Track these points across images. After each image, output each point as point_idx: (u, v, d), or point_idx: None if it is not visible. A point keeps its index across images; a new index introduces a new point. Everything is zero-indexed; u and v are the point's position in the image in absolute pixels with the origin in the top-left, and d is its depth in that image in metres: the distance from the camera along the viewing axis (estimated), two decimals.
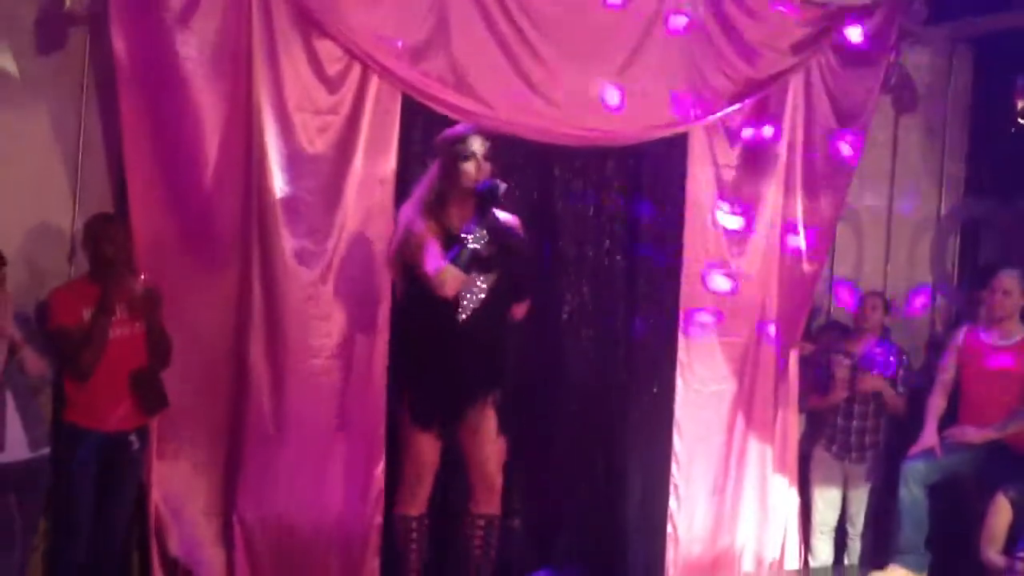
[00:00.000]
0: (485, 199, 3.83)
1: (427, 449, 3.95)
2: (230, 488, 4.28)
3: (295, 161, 4.30)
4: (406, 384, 4.01)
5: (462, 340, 3.89)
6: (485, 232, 3.78)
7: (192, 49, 4.10)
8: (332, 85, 4.36)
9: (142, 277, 3.90)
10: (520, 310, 4.09)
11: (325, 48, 4.32)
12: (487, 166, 3.92)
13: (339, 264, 4.38)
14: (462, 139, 3.94)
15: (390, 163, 4.47)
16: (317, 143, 4.34)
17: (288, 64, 4.26)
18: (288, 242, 4.28)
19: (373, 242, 4.44)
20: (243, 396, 4.27)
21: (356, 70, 4.39)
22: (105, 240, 3.92)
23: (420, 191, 4.01)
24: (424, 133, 4.53)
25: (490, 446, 3.99)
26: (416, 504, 4.01)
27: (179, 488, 4.24)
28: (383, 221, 4.44)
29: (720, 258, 5.16)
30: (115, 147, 4.13)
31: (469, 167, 3.89)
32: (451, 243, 3.81)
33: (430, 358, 3.90)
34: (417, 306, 3.90)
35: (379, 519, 4.47)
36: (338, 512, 4.43)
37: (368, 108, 4.42)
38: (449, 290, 3.78)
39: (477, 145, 3.90)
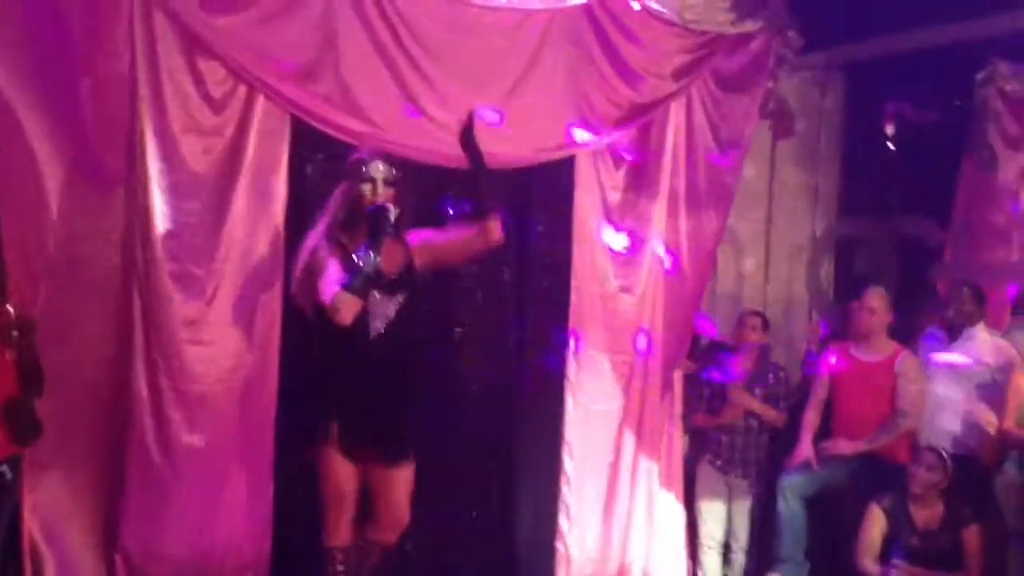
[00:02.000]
0: (373, 223, 3.80)
1: (348, 476, 3.88)
2: (112, 519, 4.16)
3: (178, 183, 4.21)
4: (330, 410, 3.89)
5: (373, 361, 3.85)
6: (376, 256, 3.73)
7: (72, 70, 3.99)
8: (216, 106, 4.28)
9: (10, 307, 3.77)
10: (495, 229, 3.99)
11: (210, 69, 4.25)
12: (388, 192, 3.90)
13: (226, 287, 4.30)
14: (363, 162, 3.94)
15: (280, 184, 4.41)
16: (201, 164, 4.26)
17: (171, 85, 4.17)
18: (170, 266, 4.19)
19: (262, 264, 4.37)
20: (126, 424, 4.17)
21: (241, 90, 4.32)
22: None
23: (325, 215, 3.97)
24: (322, 153, 4.51)
25: (401, 473, 3.95)
26: (341, 535, 3.92)
27: (58, 519, 4.09)
28: (273, 243, 4.38)
29: (607, 277, 5.23)
30: None
31: (365, 189, 3.88)
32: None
33: (345, 381, 3.84)
34: (329, 328, 3.81)
35: (267, 545, 4.40)
36: (225, 540, 4.33)
37: (254, 129, 4.35)
38: (344, 316, 3.72)
39: (377, 169, 3.90)
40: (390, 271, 3.86)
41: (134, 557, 4.17)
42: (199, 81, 4.24)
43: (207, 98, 4.26)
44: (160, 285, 4.18)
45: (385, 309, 3.87)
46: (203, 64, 4.24)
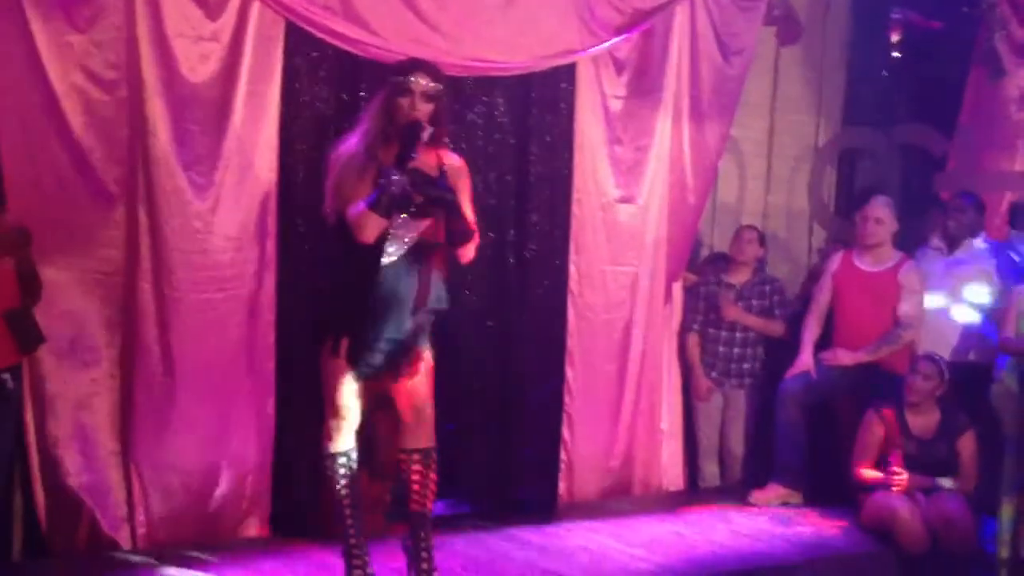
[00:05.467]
0: (403, 139, 3.61)
1: (353, 391, 3.80)
2: (125, 428, 4.20)
3: (178, 91, 4.14)
4: (340, 323, 3.75)
5: (388, 281, 3.69)
6: (405, 176, 3.55)
7: None
8: (212, 12, 4.19)
9: (9, 214, 3.74)
10: (464, 254, 3.82)
11: None
12: (427, 107, 3.68)
13: (226, 197, 4.26)
14: (404, 70, 3.73)
15: (274, 92, 4.34)
16: (199, 71, 4.18)
17: None
18: (175, 174, 4.14)
19: (260, 173, 4.33)
20: (132, 334, 4.18)
21: None
22: None
23: (359, 125, 3.80)
24: (310, 62, 4.43)
25: (419, 379, 3.82)
26: (344, 440, 3.86)
27: (72, 426, 4.13)
28: (269, 152, 4.34)
29: (609, 187, 5.20)
30: None
31: (403, 102, 3.67)
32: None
33: (359, 299, 3.70)
34: (350, 245, 3.65)
35: (269, 454, 4.45)
36: (231, 450, 4.37)
37: (250, 35, 4.26)
38: (367, 235, 3.58)
39: (416, 82, 3.67)
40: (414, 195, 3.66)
41: (144, 466, 4.21)
42: None
43: (202, 3, 4.17)
44: (163, 194, 4.13)
45: (405, 232, 3.72)
46: None
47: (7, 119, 3.91)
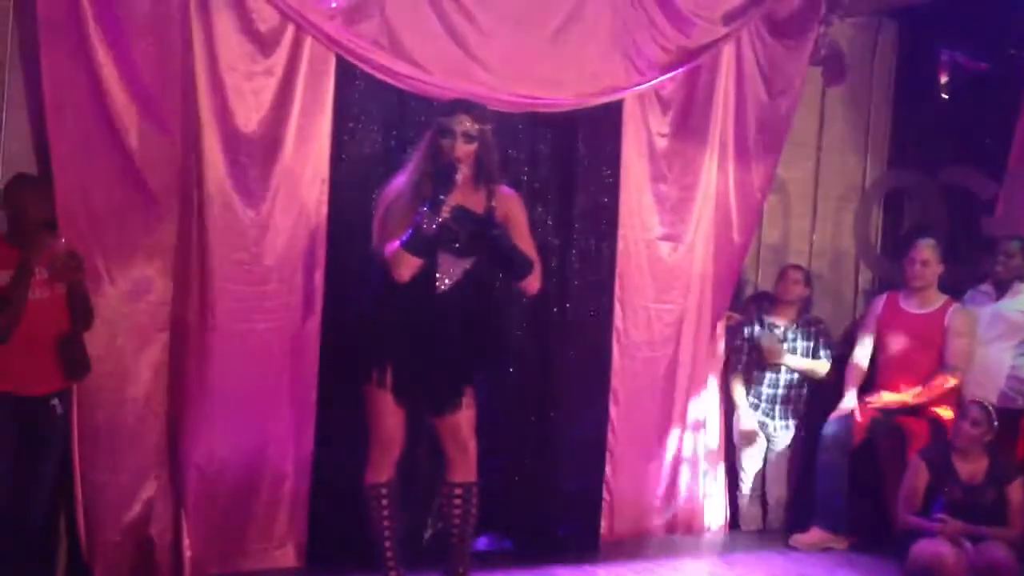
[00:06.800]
0: (437, 181, 3.66)
1: (398, 422, 3.84)
2: (170, 457, 4.24)
3: (230, 125, 4.19)
4: (387, 358, 3.81)
5: (436, 316, 3.75)
6: (438, 215, 3.59)
7: (121, 8, 3.97)
8: (266, 48, 4.26)
9: (63, 240, 3.80)
10: (528, 286, 3.87)
11: (258, 8, 4.21)
12: (468, 147, 3.72)
13: (274, 229, 4.31)
14: (447, 111, 3.79)
15: (325, 126, 4.40)
16: (252, 106, 4.24)
17: (221, 26, 4.14)
18: (223, 207, 4.19)
19: (309, 205, 4.38)
20: (177, 363, 4.22)
21: (290, 31, 4.30)
22: (25, 202, 3.81)
23: (409, 163, 3.85)
24: (359, 96, 4.48)
25: (463, 413, 3.87)
26: (385, 471, 3.90)
27: (118, 453, 4.17)
28: (318, 184, 4.39)
29: (654, 224, 5.19)
30: (38, 107, 3.97)
31: (445, 144, 3.72)
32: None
33: (406, 331, 3.75)
34: (395, 280, 3.70)
35: (307, 484, 4.46)
36: (270, 480, 4.39)
37: (302, 70, 4.33)
38: (401, 273, 3.63)
39: (457, 122, 3.72)
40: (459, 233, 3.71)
41: (188, 495, 4.22)
42: (246, 19, 4.21)
43: (256, 38, 4.23)
44: (213, 226, 4.18)
45: (452, 268, 3.76)
46: (252, 3, 4.20)
47: (64, 149, 3.97)
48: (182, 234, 4.19)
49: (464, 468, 3.91)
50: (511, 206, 3.88)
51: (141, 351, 4.20)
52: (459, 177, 3.66)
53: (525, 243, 3.85)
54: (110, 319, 4.10)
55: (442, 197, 3.62)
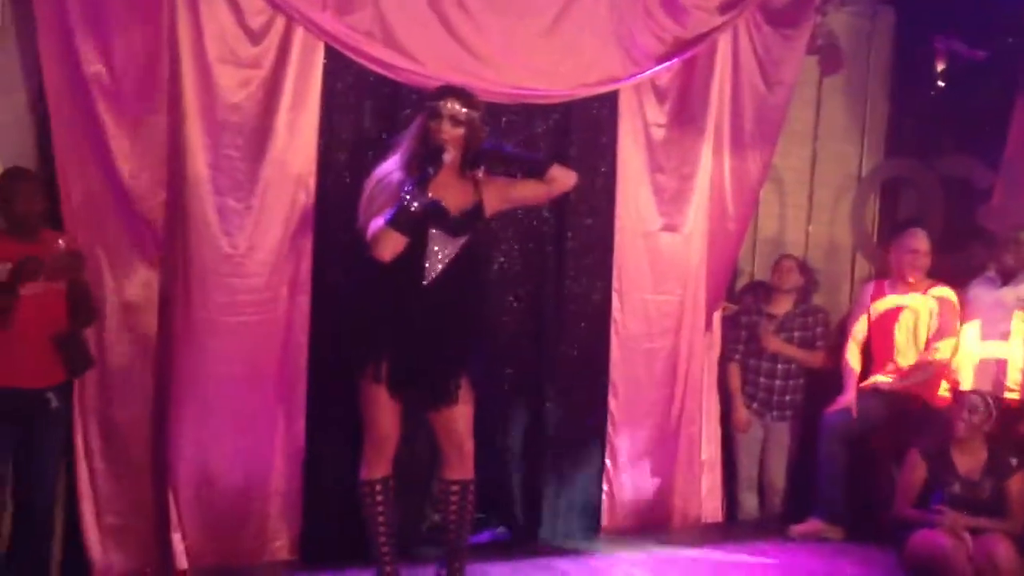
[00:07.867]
0: (424, 161, 3.66)
1: (394, 417, 3.81)
2: (163, 452, 4.22)
3: (218, 116, 4.17)
4: (382, 350, 3.77)
5: (428, 303, 3.73)
6: (422, 193, 3.59)
7: None
8: (255, 37, 4.23)
9: (61, 239, 3.80)
10: (561, 182, 3.95)
11: None
12: (456, 131, 3.72)
13: (264, 220, 4.28)
14: (437, 95, 3.78)
15: (313, 117, 4.37)
16: (240, 96, 4.21)
17: (209, 15, 4.12)
18: (212, 200, 4.17)
19: (297, 197, 4.35)
20: (167, 356, 4.20)
21: (280, 22, 4.27)
22: (17, 196, 3.80)
23: (399, 146, 3.84)
24: (348, 87, 4.44)
25: (459, 409, 3.84)
26: (380, 467, 3.87)
27: (112, 448, 4.18)
28: (306, 176, 4.36)
29: (652, 215, 5.16)
30: (37, 96, 4.00)
31: (434, 126, 3.72)
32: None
33: (399, 322, 3.72)
34: (386, 266, 3.67)
35: (299, 477, 4.44)
36: (261, 472, 4.38)
37: (292, 61, 4.30)
38: (382, 252, 3.60)
39: (446, 106, 3.71)
40: (454, 211, 3.73)
41: (181, 489, 4.23)
42: (236, 10, 4.19)
43: (245, 28, 4.20)
44: (202, 218, 4.16)
45: (444, 251, 3.76)
46: None
47: (65, 148, 3.98)
48: (169, 226, 4.16)
49: (461, 466, 3.90)
50: (497, 187, 3.91)
51: (132, 344, 4.18)
52: (447, 157, 3.67)
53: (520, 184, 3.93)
54: (100, 313, 4.09)
55: (430, 171, 3.62)
